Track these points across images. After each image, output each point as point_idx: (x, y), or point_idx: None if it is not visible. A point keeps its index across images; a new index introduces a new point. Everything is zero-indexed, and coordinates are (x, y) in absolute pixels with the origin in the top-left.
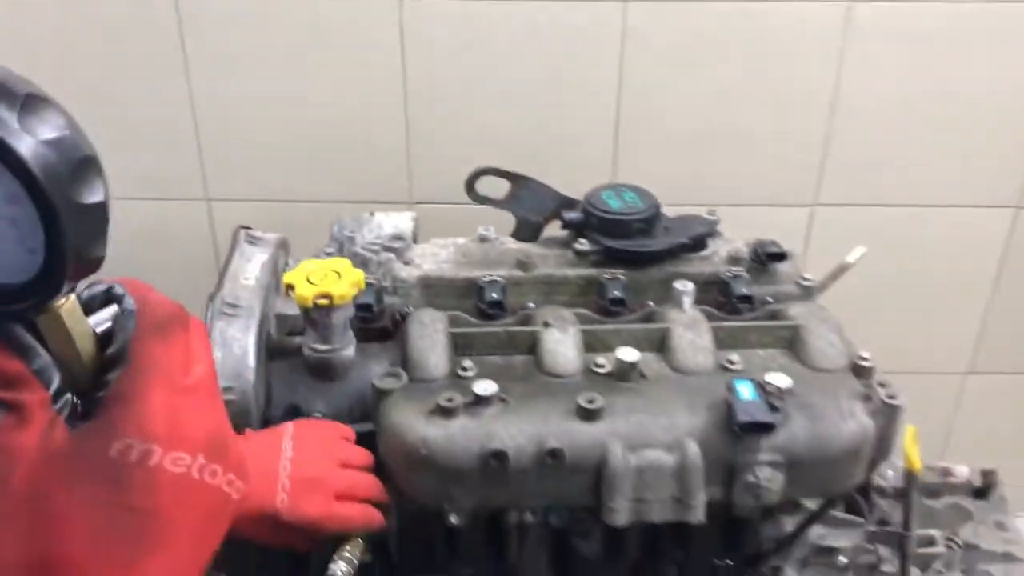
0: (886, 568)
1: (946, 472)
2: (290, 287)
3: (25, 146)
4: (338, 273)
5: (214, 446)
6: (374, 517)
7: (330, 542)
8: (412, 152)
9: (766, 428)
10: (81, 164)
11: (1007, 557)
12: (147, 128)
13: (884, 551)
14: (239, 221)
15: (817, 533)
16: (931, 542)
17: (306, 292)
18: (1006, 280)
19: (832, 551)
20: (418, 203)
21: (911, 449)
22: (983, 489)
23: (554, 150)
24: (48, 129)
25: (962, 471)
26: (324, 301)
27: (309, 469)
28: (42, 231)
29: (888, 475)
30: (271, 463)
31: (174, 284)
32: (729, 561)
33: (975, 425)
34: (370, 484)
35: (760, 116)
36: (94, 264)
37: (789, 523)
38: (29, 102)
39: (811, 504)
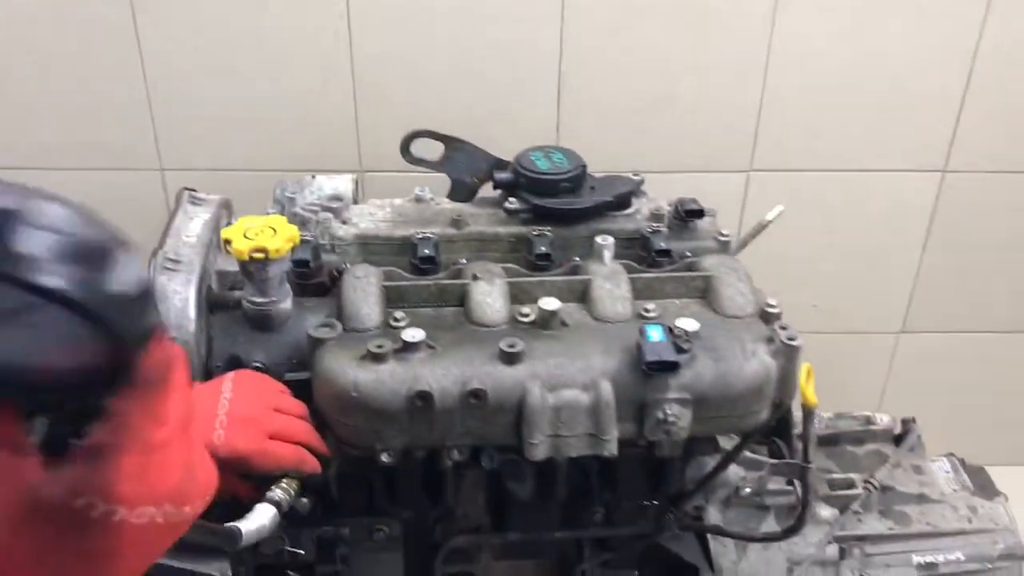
0: None
1: (868, 420)
2: (227, 241)
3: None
4: (274, 229)
5: (181, 492)
6: (305, 459)
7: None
8: (361, 122)
9: (671, 367)
10: (140, 298)
11: (922, 498)
12: (100, 99)
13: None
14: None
15: (739, 476)
16: (850, 485)
17: (242, 246)
18: (933, 243)
19: (755, 491)
20: (368, 171)
21: (805, 386)
22: (902, 436)
23: (499, 119)
24: (120, 282)
25: (883, 419)
26: (259, 255)
27: (245, 409)
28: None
29: None
30: (211, 405)
31: None
32: (655, 501)
33: (908, 381)
34: (303, 429)
35: (696, 85)
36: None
37: (712, 464)
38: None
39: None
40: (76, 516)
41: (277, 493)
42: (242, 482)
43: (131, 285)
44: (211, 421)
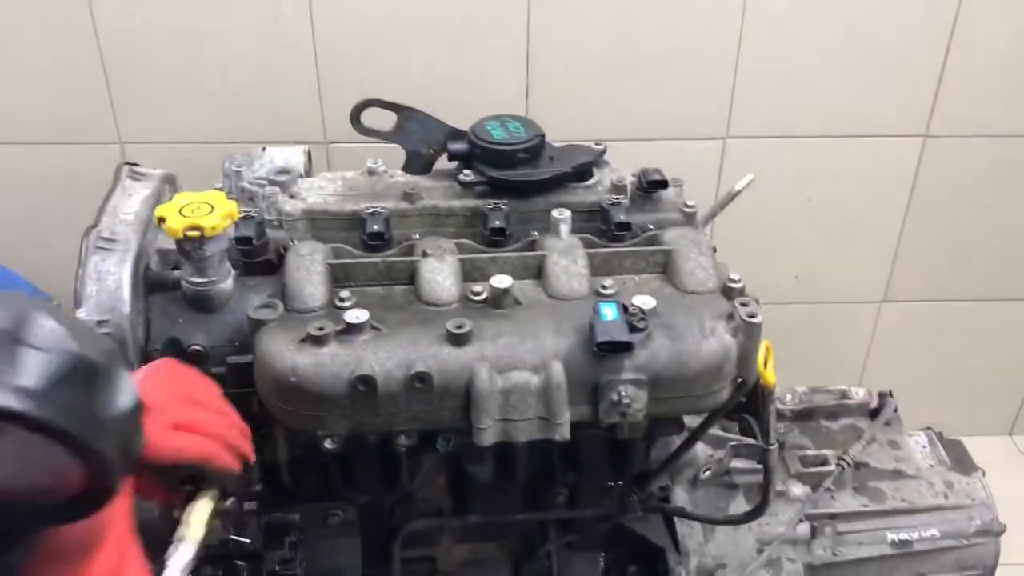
0: (778, 488)
1: (844, 395)
2: (161, 219)
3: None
4: (211, 205)
5: None
6: (214, 454)
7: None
8: (324, 92)
9: (624, 347)
10: (130, 419)
11: (897, 474)
12: (55, 73)
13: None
14: (154, 165)
15: (707, 454)
16: (823, 462)
17: (176, 224)
18: (915, 209)
19: (715, 472)
20: (332, 142)
21: (762, 365)
22: (878, 410)
23: (467, 87)
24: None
25: (858, 393)
26: (195, 233)
27: (150, 398)
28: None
29: (786, 399)
30: None
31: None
32: (618, 482)
33: (890, 351)
34: (219, 423)
35: (671, 50)
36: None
37: (676, 444)
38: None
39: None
40: None
41: (191, 529)
42: (157, 483)
43: (121, 408)
44: None
